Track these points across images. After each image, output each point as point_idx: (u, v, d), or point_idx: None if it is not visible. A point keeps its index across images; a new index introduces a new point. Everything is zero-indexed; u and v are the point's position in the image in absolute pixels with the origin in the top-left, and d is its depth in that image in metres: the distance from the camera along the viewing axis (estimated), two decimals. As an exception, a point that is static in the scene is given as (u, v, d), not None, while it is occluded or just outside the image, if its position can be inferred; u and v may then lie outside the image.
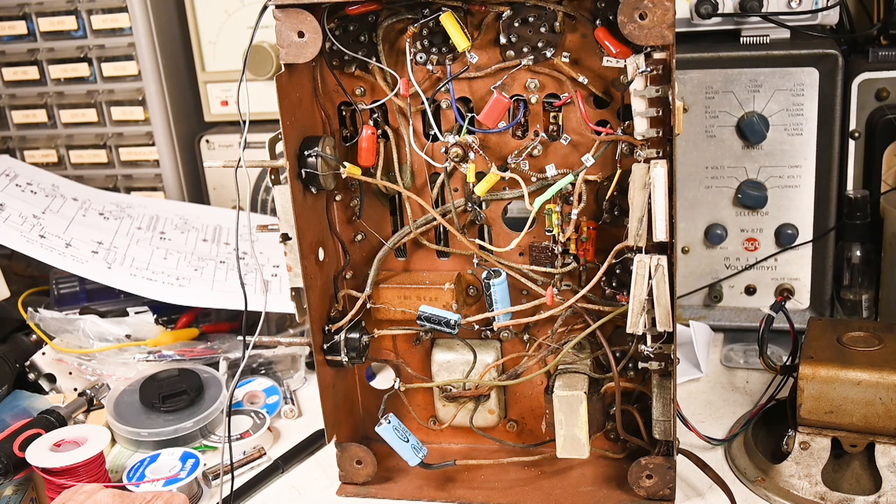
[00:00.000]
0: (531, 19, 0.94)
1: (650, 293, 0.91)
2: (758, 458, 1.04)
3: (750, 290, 1.32)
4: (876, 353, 0.98)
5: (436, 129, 0.98)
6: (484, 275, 1.01)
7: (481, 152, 0.98)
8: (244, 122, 0.94)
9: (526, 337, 1.06)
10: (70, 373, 1.25)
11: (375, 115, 1.01)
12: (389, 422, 1.02)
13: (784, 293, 1.30)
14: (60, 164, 1.62)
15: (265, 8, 0.94)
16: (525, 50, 0.95)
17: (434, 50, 0.97)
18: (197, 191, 1.63)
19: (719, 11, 1.24)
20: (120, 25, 1.52)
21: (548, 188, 0.96)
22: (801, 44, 1.22)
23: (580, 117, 0.95)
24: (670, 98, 0.87)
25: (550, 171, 0.98)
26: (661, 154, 0.90)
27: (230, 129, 1.59)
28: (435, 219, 1.02)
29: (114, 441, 1.17)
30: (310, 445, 1.15)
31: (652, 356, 0.95)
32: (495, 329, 1.04)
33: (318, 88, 1.00)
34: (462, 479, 1.07)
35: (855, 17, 1.36)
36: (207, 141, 1.57)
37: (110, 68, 1.55)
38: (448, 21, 0.92)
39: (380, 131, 1.01)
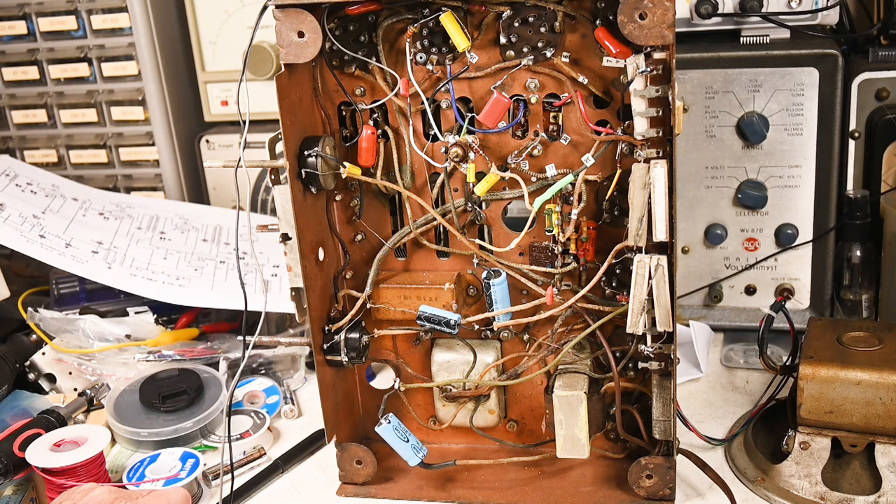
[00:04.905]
0: (531, 19, 0.94)
1: (650, 293, 0.91)
2: (758, 458, 1.04)
3: (750, 290, 1.32)
4: (876, 353, 0.98)
5: (436, 129, 0.98)
6: (484, 275, 1.01)
7: (481, 152, 0.98)
8: (244, 122, 0.94)
9: (526, 337, 1.06)
10: (70, 373, 1.25)
11: (375, 115, 1.01)
12: (389, 422, 1.02)
13: (784, 293, 1.30)
14: (60, 164, 1.62)
15: (265, 8, 0.94)
16: (525, 50, 0.95)
17: (434, 50, 0.97)
18: (197, 191, 1.63)
19: (719, 11, 1.24)
20: (120, 25, 1.52)
21: (548, 188, 0.96)
22: (801, 44, 1.22)
23: (580, 117, 0.95)
24: (670, 98, 0.87)
25: (550, 171, 0.98)
26: (661, 154, 0.90)
27: (230, 129, 1.59)
28: (435, 219, 1.02)
29: (114, 441, 1.17)
30: (310, 445, 1.15)
31: (652, 356, 0.95)
32: (495, 329, 1.04)
33: (318, 88, 1.00)
34: (462, 479, 1.07)
35: (855, 17, 1.36)
36: (207, 141, 1.57)
37: (110, 68, 1.55)
38: (448, 21, 0.92)
39: (380, 131, 1.01)
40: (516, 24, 0.94)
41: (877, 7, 1.32)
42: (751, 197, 1.26)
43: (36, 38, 1.56)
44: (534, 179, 0.99)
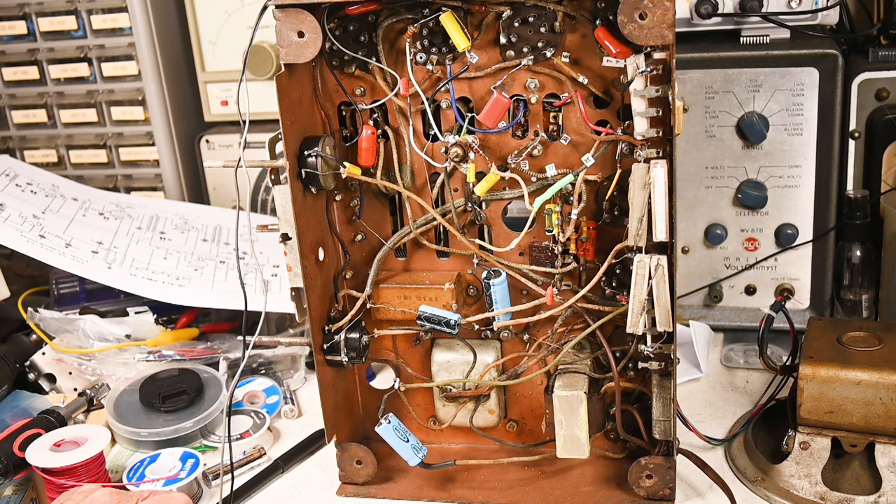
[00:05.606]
0: (531, 19, 0.94)
1: (650, 293, 0.91)
2: (758, 458, 1.04)
3: (750, 290, 1.32)
4: (876, 353, 0.98)
5: (436, 129, 0.98)
6: (484, 275, 1.01)
7: (481, 152, 0.98)
8: (244, 122, 0.94)
9: (526, 337, 1.06)
10: (70, 373, 1.25)
11: (375, 115, 1.01)
12: (389, 422, 1.02)
13: (784, 293, 1.30)
14: (60, 164, 1.62)
15: (265, 8, 0.94)
16: (525, 50, 0.95)
17: (434, 50, 0.97)
18: (197, 191, 1.63)
19: (719, 11, 1.24)
20: (120, 25, 1.52)
21: (548, 188, 0.96)
22: (801, 44, 1.22)
23: (580, 117, 0.95)
24: (670, 98, 0.87)
25: (550, 171, 0.98)
26: (661, 154, 0.90)
27: (230, 129, 1.59)
28: (435, 219, 1.02)
29: (114, 441, 1.17)
30: (310, 445, 1.15)
31: (652, 356, 0.95)
32: (495, 329, 1.04)
33: (318, 88, 1.00)
34: (462, 479, 1.07)
35: (855, 17, 1.36)
36: (207, 141, 1.57)
37: (110, 68, 1.55)
38: (448, 21, 0.92)
39: (380, 131, 1.01)
40: (516, 24, 0.94)
41: (877, 7, 1.32)
42: (751, 197, 1.26)
43: (36, 38, 1.56)
44: (534, 179, 0.99)
